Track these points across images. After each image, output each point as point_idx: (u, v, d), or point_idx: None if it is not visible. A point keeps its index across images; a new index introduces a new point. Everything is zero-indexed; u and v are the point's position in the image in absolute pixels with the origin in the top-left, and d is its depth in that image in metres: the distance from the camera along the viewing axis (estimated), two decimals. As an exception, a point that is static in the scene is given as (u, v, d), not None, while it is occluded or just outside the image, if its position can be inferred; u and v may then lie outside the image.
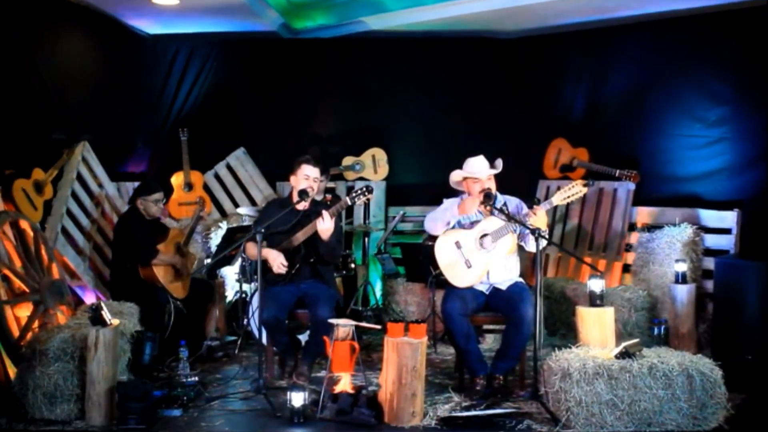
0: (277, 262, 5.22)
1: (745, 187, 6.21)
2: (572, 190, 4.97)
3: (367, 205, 7.48)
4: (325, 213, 5.09)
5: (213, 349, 5.95)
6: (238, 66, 8.16)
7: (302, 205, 5.31)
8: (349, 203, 5.14)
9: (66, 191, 6.22)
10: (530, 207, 4.99)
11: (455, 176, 5.19)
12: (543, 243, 4.71)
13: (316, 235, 5.19)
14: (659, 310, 6.12)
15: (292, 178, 5.37)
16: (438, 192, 6.17)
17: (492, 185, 5.10)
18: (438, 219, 5.19)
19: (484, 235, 5.04)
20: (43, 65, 6.07)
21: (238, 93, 8.14)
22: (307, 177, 5.31)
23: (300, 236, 5.28)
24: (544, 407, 4.52)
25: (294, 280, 5.33)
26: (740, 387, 4.78)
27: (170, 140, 7.74)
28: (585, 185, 4.98)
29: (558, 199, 5.00)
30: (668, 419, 4.30)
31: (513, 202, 5.18)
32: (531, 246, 4.93)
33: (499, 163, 5.10)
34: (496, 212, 4.98)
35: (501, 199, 5.16)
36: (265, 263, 5.22)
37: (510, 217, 4.91)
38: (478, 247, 5.05)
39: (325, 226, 5.08)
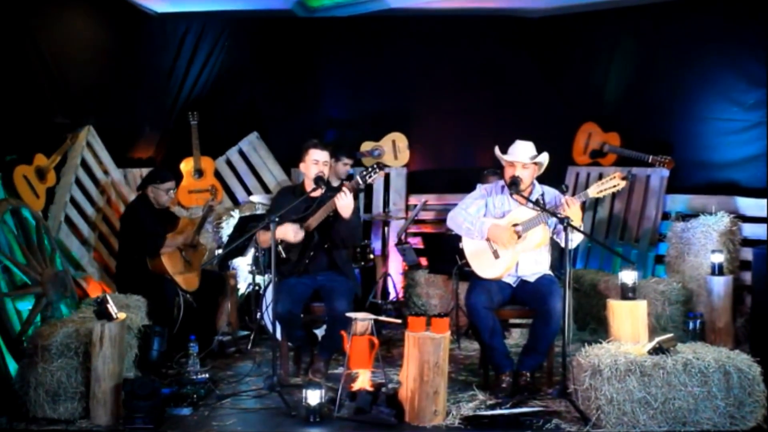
0: (290, 230, 5.13)
1: (786, 174, 6.15)
2: (609, 183, 4.80)
3: (386, 193, 7.48)
4: (344, 188, 5.01)
5: (224, 344, 5.91)
6: (251, 46, 8.11)
7: (317, 192, 5.23)
8: (361, 182, 5.02)
9: (70, 178, 6.17)
10: (562, 193, 4.92)
11: (496, 152, 5.05)
12: (573, 237, 4.59)
13: (330, 218, 5.15)
14: (694, 303, 6.06)
15: (302, 165, 5.33)
16: (462, 179, 6.03)
17: (527, 174, 4.94)
18: (461, 224, 5.05)
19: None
20: (45, 45, 5.99)
21: (251, 75, 8.10)
22: (316, 162, 5.24)
23: (313, 222, 5.21)
24: (573, 406, 4.43)
25: (309, 271, 5.28)
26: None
27: (179, 124, 7.70)
28: (623, 179, 4.81)
29: (594, 191, 4.84)
30: (704, 418, 4.21)
31: (550, 194, 5.05)
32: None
33: (544, 157, 4.93)
34: (530, 204, 4.86)
35: (539, 189, 5.05)
36: (278, 254, 5.14)
37: (543, 208, 4.79)
38: None
39: (345, 201, 4.98)
